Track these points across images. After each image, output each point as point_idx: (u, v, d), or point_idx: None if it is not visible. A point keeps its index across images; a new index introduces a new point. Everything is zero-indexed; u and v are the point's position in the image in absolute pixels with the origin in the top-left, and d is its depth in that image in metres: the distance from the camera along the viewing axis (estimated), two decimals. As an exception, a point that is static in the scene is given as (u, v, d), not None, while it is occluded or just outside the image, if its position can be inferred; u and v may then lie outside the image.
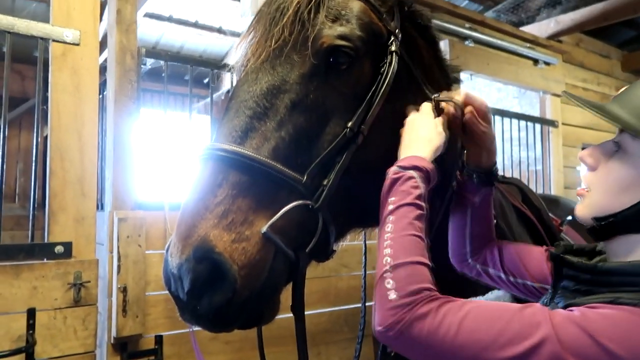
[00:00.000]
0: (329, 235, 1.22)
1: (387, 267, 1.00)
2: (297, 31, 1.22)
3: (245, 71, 1.27)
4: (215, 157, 1.13)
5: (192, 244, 1.04)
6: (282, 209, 1.11)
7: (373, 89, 1.27)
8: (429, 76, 1.49)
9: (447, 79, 1.65)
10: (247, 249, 1.06)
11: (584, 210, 1.08)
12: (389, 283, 0.98)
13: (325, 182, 1.18)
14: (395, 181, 1.12)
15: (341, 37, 1.23)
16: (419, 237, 1.05)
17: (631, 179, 0.99)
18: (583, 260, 1.05)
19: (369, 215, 1.37)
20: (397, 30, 1.37)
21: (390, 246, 1.03)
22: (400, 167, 1.14)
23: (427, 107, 1.29)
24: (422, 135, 1.21)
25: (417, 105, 1.33)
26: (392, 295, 0.96)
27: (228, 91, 1.38)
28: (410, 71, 1.41)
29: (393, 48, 1.32)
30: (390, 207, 1.09)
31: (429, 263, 1.01)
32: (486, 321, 0.89)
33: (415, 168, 1.13)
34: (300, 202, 1.14)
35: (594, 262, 1.06)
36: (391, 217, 1.07)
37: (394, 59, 1.31)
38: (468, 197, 1.41)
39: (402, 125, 1.30)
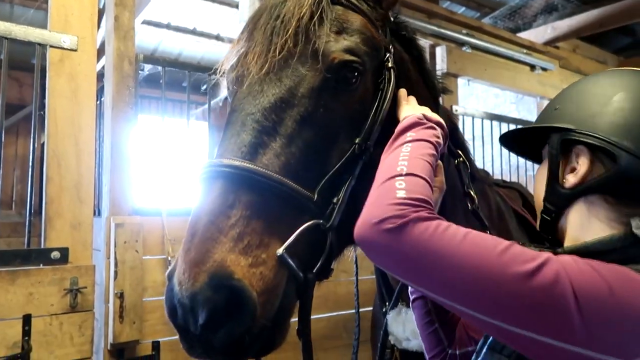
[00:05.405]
0: (333, 254, 1.18)
1: (402, 173, 0.99)
2: (302, 43, 1.19)
3: (248, 82, 1.22)
4: (224, 174, 1.07)
5: (207, 270, 0.96)
6: (293, 229, 1.06)
7: (376, 105, 1.26)
8: (415, 91, 1.45)
9: (434, 91, 1.63)
10: (264, 273, 1.00)
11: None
12: (401, 184, 0.95)
13: (335, 200, 1.14)
14: (418, 124, 1.15)
15: (349, 51, 1.21)
16: (431, 170, 1.05)
17: (545, 173, 1.14)
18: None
19: None
20: (389, 45, 1.36)
21: (407, 160, 1.03)
22: (426, 117, 1.18)
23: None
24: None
25: None
26: (401, 193, 0.93)
27: (226, 98, 1.33)
28: (399, 87, 1.38)
29: (390, 64, 1.31)
30: (409, 138, 1.11)
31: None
32: (489, 240, 0.88)
33: (439, 125, 1.17)
34: (314, 221, 1.09)
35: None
36: (409, 145, 1.08)
37: (392, 75, 1.30)
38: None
39: None
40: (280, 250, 1.03)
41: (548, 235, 1.15)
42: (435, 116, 1.22)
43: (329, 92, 1.20)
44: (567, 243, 1.08)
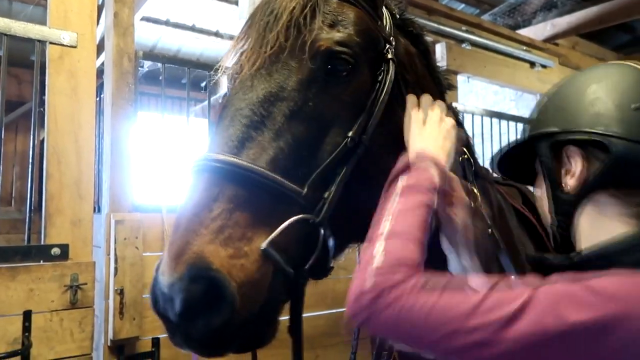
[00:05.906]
0: (329, 251, 1.14)
1: (383, 233, 0.98)
2: (294, 37, 1.18)
3: (240, 79, 1.21)
4: (210, 168, 1.06)
5: (185, 261, 0.96)
6: (281, 223, 1.04)
7: (372, 97, 1.23)
8: (422, 85, 1.44)
9: (440, 87, 1.61)
10: (246, 265, 0.99)
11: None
12: (379, 248, 0.95)
13: (326, 195, 1.12)
14: (411, 167, 1.11)
15: (339, 43, 1.19)
16: (421, 222, 1.01)
17: (543, 187, 1.13)
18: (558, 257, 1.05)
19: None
20: (391, 38, 1.34)
21: (392, 216, 1.00)
22: (420, 155, 1.13)
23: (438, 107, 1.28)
24: (437, 133, 1.21)
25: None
26: (378, 261, 0.93)
27: (225, 94, 1.31)
28: (405, 81, 1.36)
29: (389, 56, 1.29)
30: (399, 189, 1.07)
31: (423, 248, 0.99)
32: (460, 305, 0.84)
33: (435, 163, 1.12)
34: (301, 216, 1.07)
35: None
36: (397, 197, 1.05)
37: (391, 67, 1.28)
38: None
39: (399, 135, 1.27)
40: (264, 244, 1.01)
41: (569, 251, 1.07)
42: (430, 153, 1.16)
43: (319, 84, 1.18)
44: (580, 248, 1.03)
